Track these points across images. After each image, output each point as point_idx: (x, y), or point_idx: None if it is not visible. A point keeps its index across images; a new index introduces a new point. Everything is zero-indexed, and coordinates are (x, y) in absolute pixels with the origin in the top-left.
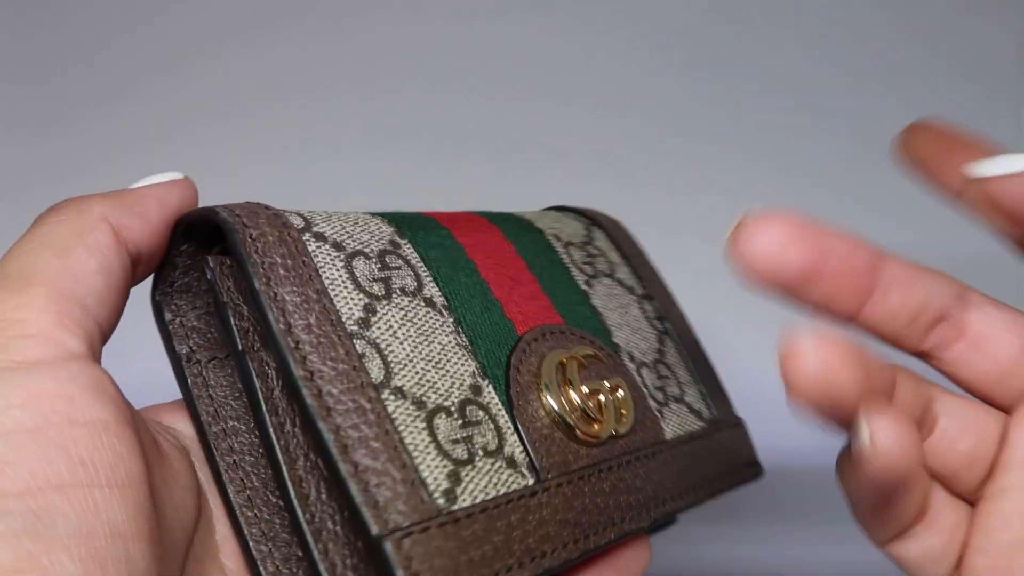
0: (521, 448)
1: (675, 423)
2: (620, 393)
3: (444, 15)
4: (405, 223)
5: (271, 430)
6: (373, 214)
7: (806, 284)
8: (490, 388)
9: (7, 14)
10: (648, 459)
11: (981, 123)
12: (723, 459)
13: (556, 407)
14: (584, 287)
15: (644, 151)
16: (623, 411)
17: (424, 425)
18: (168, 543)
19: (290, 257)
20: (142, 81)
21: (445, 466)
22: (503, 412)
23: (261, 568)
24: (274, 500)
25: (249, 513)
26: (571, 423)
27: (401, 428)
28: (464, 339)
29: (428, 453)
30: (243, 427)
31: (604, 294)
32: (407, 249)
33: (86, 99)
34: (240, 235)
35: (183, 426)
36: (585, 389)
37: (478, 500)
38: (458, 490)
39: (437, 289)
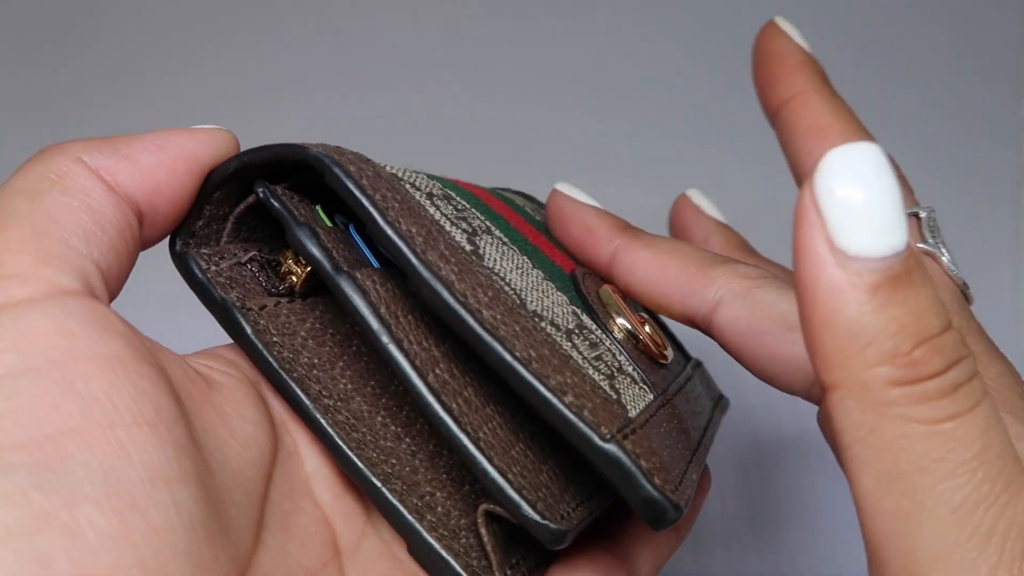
0: (632, 367)
1: (678, 356)
2: (652, 324)
3: (442, 12)
4: (435, 178)
5: (393, 347)
6: (407, 168)
7: None
8: (584, 316)
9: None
10: (691, 380)
11: (981, 122)
12: (711, 388)
13: (632, 329)
14: None
15: (643, 149)
16: (662, 339)
17: (571, 344)
18: (234, 485)
19: (395, 191)
20: (140, 75)
21: (603, 380)
22: (604, 336)
23: (401, 507)
24: (383, 443)
25: (368, 455)
26: (646, 345)
27: (563, 345)
28: (543, 273)
29: (588, 368)
30: (324, 373)
31: None
32: (457, 197)
33: (87, 91)
34: (343, 168)
35: (247, 362)
36: (636, 317)
37: (639, 410)
38: (623, 399)
39: (500, 232)
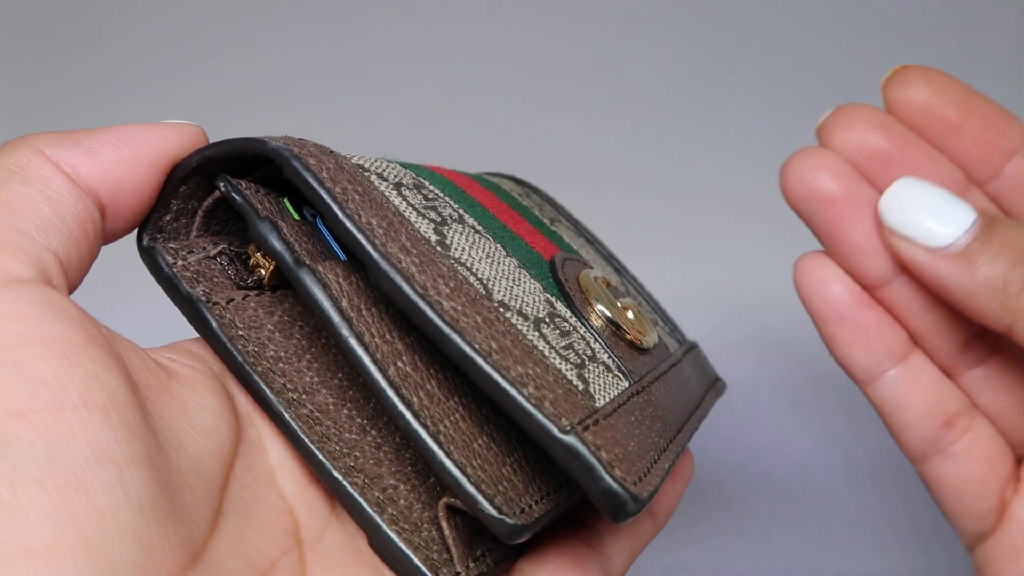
0: (607, 354)
1: (667, 341)
2: (636, 310)
3: (442, 15)
4: (409, 166)
5: (353, 341)
6: (378, 157)
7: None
8: (559, 303)
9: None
10: (676, 366)
11: None
12: (704, 372)
13: (611, 316)
14: (553, 227)
15: (641, 151)
16: (646, 325)
17: (538, 333)
18: (190, 471)
19: (356, 183)
20: (139, 73)
21: (571, 369)
22: (579, 323)
23: (362, 500)
24: (348, 435)
25: (330, 448)
26: (627, 330)
27: (528, 335)
28: (517, 261)
29: (555, 358)
30: (289, 367)
31: (567, 235)
32: (429, 185)
33: (86, 85)
34: (302, 162)
35: (211, 356)
36: (618, 304)
37: (608, 399)
38: (591, 389)
39: (473, 220)
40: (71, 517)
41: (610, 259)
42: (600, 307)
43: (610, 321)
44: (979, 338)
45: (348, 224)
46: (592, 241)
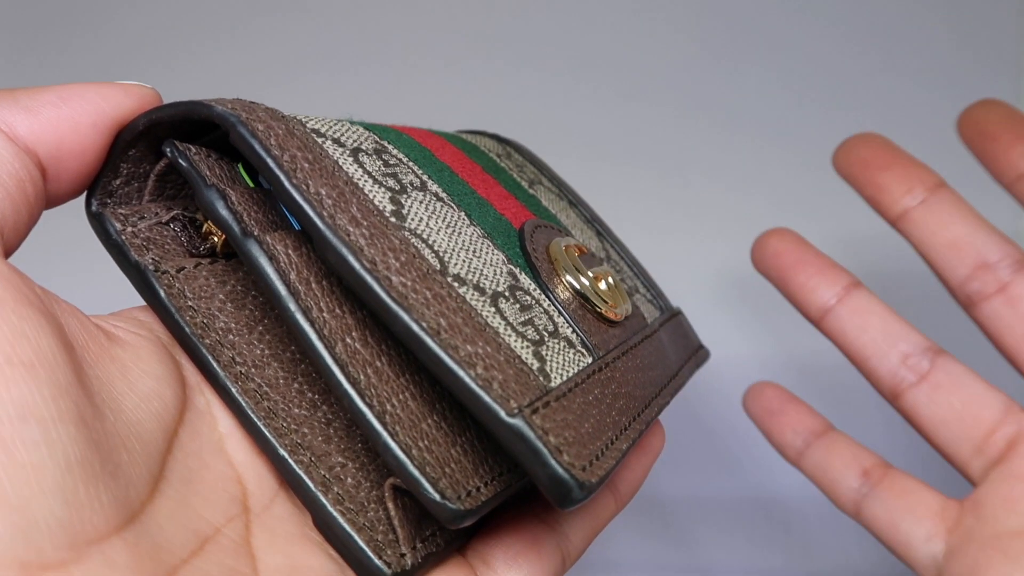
0: (571, 328)
1: (645, 310)
2: (610, 279)
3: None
4: (375, 128)
5: (300, 316)
6: (340, 119)
7: None
8: (523, 275)
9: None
10: (650, 339)
11: None
12: (686, 341)
13: (579, 287)
14: (531, 191)
15: (644, 134)
16: (621, 295)
17: (494, 309)
18: (128, 434)
19: (307, 150)
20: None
21: (527, 347)
22: (543, 296)
23: (306, 478)
24: (297, 411)
25: (276, 424)
26: (596, 303)
27: (481, 312)
28: (481, 230)
29: (510, 335)
30: (240, 339)
31: (546, 198)
32: (393, 149)
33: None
34: (248, 127)
35: (160, 324)
36: (590, 273)
37: (565, 377)
38: (547, 368)
39: (437, 186)
40: None
41: (593, 222)
42: (568, 278)
43: (578, 293)
44: None
45: (295, 194)
46: (575, 203)
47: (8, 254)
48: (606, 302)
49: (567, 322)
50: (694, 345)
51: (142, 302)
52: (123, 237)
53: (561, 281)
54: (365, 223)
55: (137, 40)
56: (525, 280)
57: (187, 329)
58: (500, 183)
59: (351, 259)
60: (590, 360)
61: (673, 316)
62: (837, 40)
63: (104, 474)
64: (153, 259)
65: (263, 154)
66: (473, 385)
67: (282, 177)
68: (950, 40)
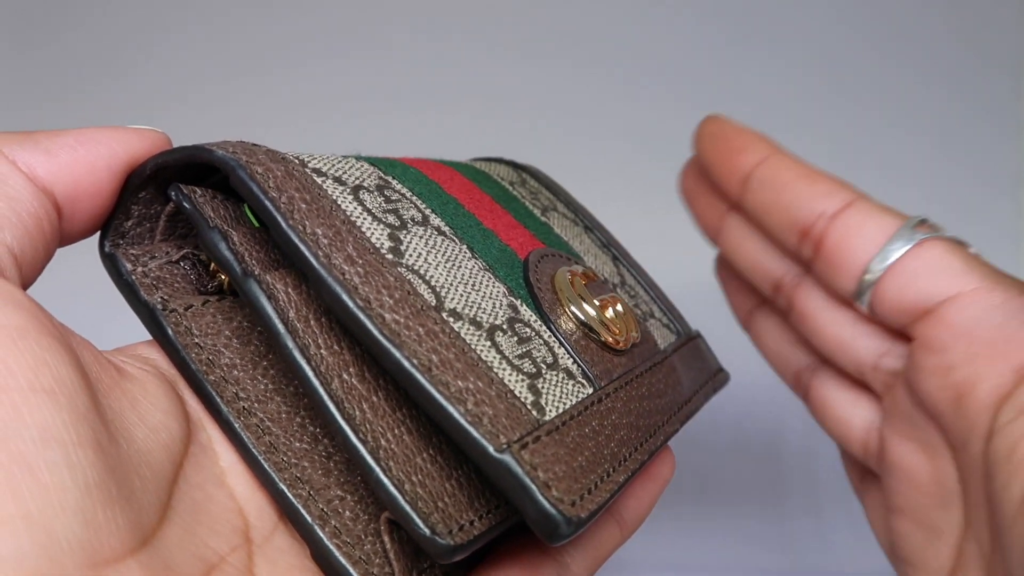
0: (572, 359)
1: (659, 336)
2: (619, 307)
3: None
4: (380, 164)
5: (297, 354)
6: (346, 156)
7: None
8: (524, 307)
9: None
10: (660, 366)
11: (981, 120)
12: (703, 365)
13: (583, 318)
14: (543, 218)
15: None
16: (630, 322)
17: (489, 343)
18: (140, 463)
19: (305, 191)
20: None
21: (522, 380)
22: (544, 328)
23: (304, 511)
24: (298, 445)
25: (276, 458)
26: (600, 332)
27: (475, 347)
28: (483, 263)
29: (505, 369)
30: (244, 374)
31: (559, 225)
32: (397, 184)
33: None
34: (247, 171)
35: (165, 360)
36: (596, 302)
37: (561, 410)
38: (542, 401)
39: (440, 220)
40: (13, 491)
41: (608, 247)
42: (572, 308)
43: (581, 323)
44: None
45: (291, 235)
46: (592, 228)
47: (25, 287)
48: (612, 331)
49: (568, 353)
50: (712, 369)
51: (145, 337)
52: (134, 277)
53: (564, 311)
54: (360, 261)
55: (160, 77)
56: (526, 312)
57: (193, 366)
58: (510, 212)
59: (345, 297)
60: (590, 391)
61: (690, 340)
62: (838, 40)
63: (120, 498)
64: (162, 298)
65: (261, 196)
66: (462, 421)
67: (279, 218)
68: (950, 40)
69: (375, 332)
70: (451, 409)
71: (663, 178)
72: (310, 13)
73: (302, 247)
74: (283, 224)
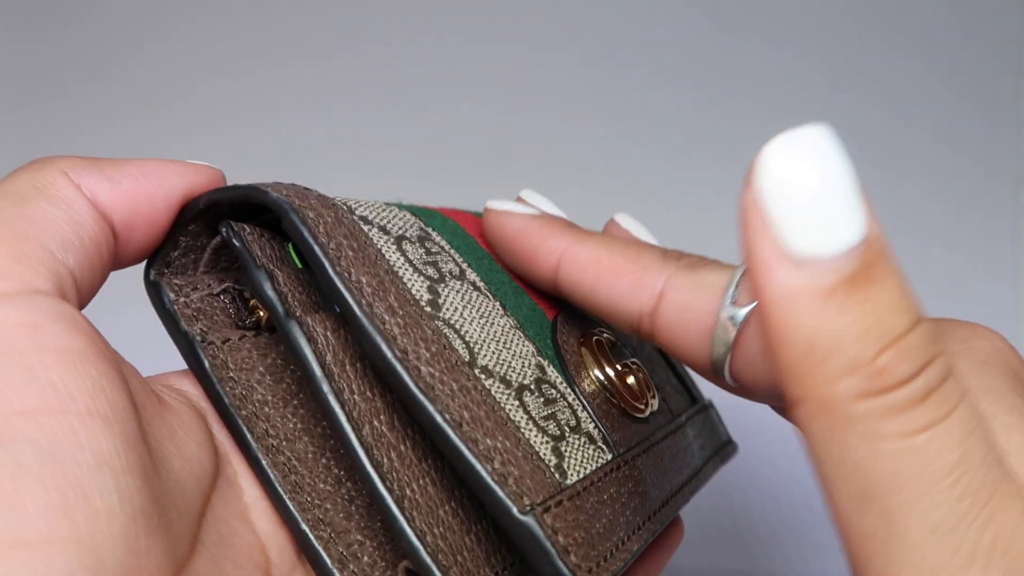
0: (593, 424)
1: (674, 403)
2: (640, 375)
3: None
4: (421, 214)
5: (331, 398)
6: (389, 204)
7: None
8: (551, 368)
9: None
10: (674, 435)
11: (981, 120)
12: (713, 435)
13: (605, 382)
14: None
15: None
16: (649, 390)
17: (518, 403)
18: (176, 493)
19: (353, 239)
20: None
21: (547, 442)
22: (569, 390)
23: (324, 554)
24: (322, 487)
25: (301, 498)
26: (621, 399)
27: (504, 406)
28: (514, 321)
29: (531, 430)
30: (275, 411)
31: None
32: (436, 236)
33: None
34: (299, 215)
35: (196, 392)
36: (619, 367)
37: (582, 475)
38: (564, 465)
39: (476, 275)
40: (67, 514)
41: None
42: (595, 372)
43: (604, 387)
44: None
45: (336, 281)
46: None
47: (81, 309)
48: (632, 398)
49: (590, 417)
50: (721, 440)
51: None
52: (176, 307)
53: (588, 375)
54: (401, 312)
55: (160, 77)
56: (552, 373)
57: (226, 400)
58: None
59: (384, 348)
60: (609, 457)
61: (702, 410)
62: (838, 39)
63: (160, 527)
64: (201, 329)
65: (311, 241)
66: (489, 480)
67: (326, 264)
68: (950, 39)
69: (411, 384)
70: (479, 467)
71: (668, 179)
72: (310, 13)
73: (346, 294)
74: (330, 270)
